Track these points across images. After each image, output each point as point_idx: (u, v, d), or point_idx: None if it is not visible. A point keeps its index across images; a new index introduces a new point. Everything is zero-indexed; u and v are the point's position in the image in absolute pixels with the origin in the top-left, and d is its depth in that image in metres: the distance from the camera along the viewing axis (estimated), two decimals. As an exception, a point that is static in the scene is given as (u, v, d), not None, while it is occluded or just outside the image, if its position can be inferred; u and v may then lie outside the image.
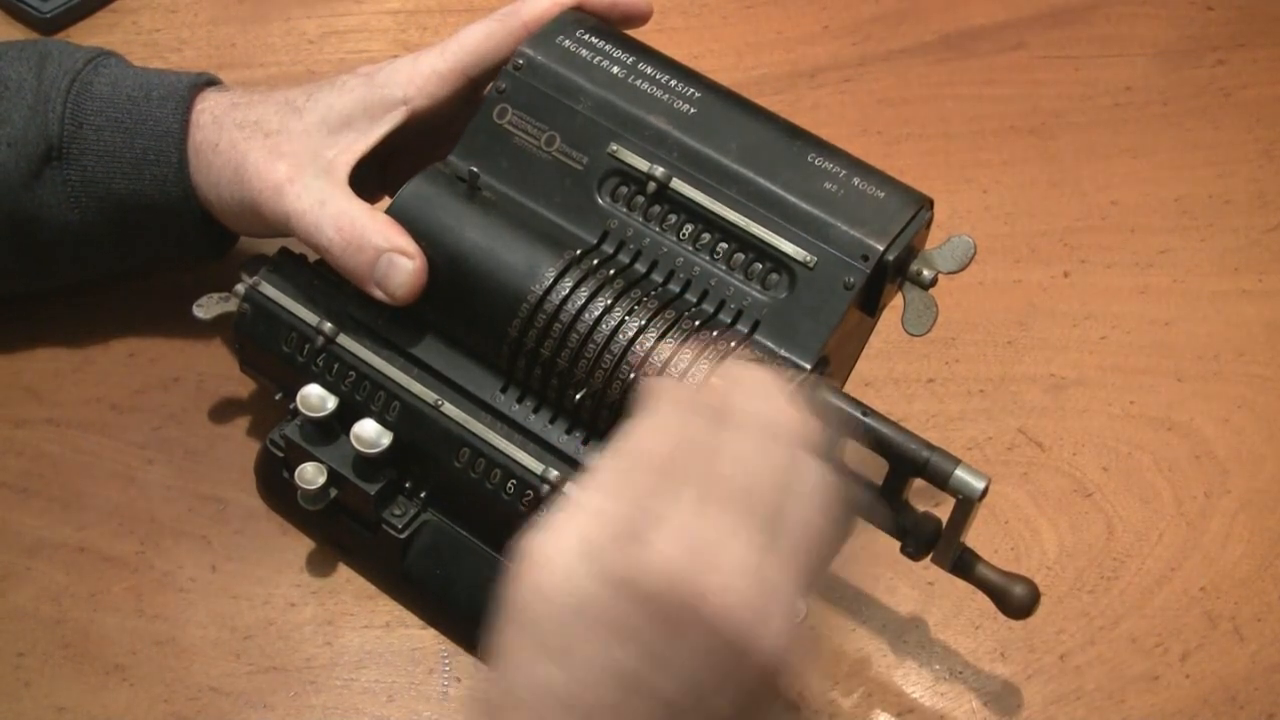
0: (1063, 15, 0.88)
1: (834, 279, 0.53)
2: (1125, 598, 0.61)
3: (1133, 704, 0.58)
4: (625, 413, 0.51)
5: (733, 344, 0.52)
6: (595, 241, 0.55)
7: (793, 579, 0.40)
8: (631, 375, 0.51)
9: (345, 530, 0.58)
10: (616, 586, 0.38)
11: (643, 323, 0.52)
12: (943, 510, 0.52)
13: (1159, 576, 0.62)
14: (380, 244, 0.54)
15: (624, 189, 0.55)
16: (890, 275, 0.53)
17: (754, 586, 0.38)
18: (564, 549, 0.39)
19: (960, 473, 0.50)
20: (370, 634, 0.57)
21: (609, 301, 0.52)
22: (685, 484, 0.40)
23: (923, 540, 0.53)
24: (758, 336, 0.53)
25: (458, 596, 0.57)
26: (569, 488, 0.52)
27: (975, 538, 0.53)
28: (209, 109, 0.59)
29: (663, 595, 0.38)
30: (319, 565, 0.59)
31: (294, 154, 0.56)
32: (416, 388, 0.55)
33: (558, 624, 0.38)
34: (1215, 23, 0.89)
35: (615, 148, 0.55)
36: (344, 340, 0.56)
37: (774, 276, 0.53)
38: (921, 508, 0.54)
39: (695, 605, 0.38)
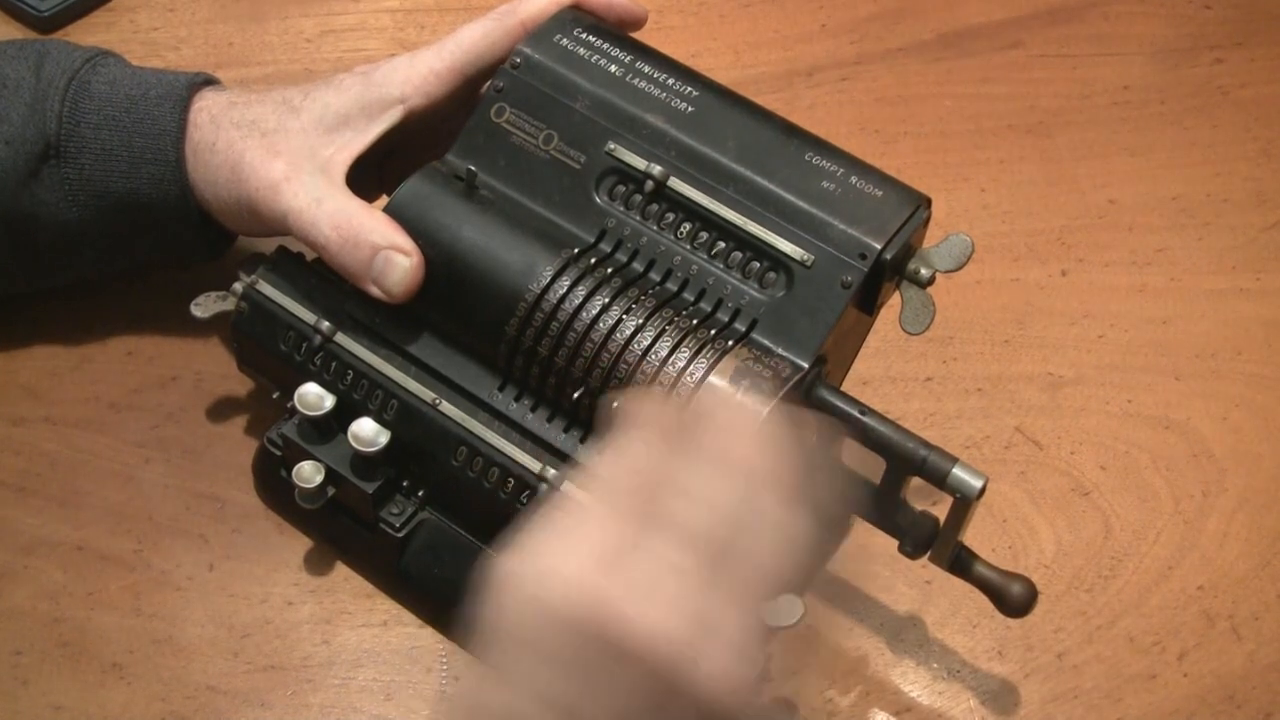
0: (1060, 14, 0.88)
1: (832, 278, 0.53)
2: (1123, 596, 0.61)
3: (1130, 703, 0.58)
4: (599, 427, 0.51)
5: (730, 343, 0.52)
6: (593, 240, 0.55)
7: (736, 618, 0.40)
8: (619, 378, 0.51)
9: (343, 529, 0.58)
10: (556, 616, 0.39)
11: (640, 321, 0.52)
12: (940, 509, 0.52)
13: (1157, 575, 0.62)
14: (377, 241, 0.54)
15: (622, 188, 0.55)
16: (888, 274, 0.53)
17: (687, 623, 0.39)
18: (523, 576, 0.40)
19: (958, 471, 0.50)
20: (368, 633, 0.57)
21: (606, 300, 0.52)
22: (636, 518, 0.40)
23: (920, 539, 0.53)
24: (755, 335, 0.53)
25: (455, 595, 0.56)
26: (541, 505, 0.52)
27: (973, 536, 0.53)
28: (207, 108, 0.59)
29: (596, 627, 0.38)
30: (317, 564, 0.59)
31: (291, 152, 0.56)
32: (414, 386, 0.55)
33: (507, 648, 0.40)
34: (1213, 21, 0.89)
35: (613, 146, 0.55)
36: (342, 339, 0.56)
37: (772, 275, 0.53)
38: (919, 506, 0.54)
39: (623, 639, 0.38)
